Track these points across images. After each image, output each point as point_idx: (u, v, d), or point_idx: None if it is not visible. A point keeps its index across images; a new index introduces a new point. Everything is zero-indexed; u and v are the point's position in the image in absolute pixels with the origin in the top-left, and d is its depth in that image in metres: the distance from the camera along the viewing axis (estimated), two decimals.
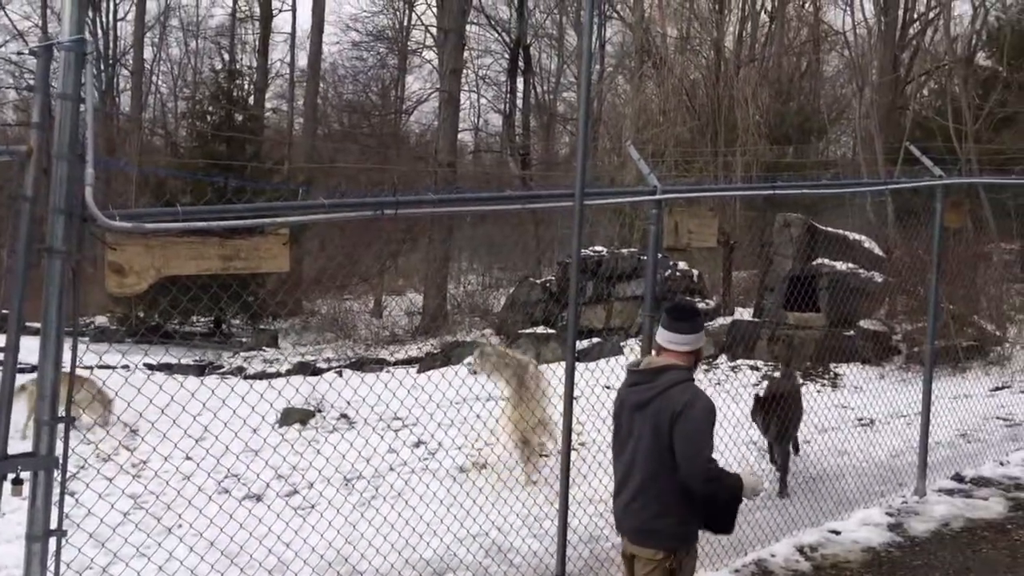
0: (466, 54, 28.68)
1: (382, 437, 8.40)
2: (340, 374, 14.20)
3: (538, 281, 17.63)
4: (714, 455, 3.56)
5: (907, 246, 13.38)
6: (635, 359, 4.08)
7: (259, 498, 7.20)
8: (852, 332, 13.01)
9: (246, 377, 15.07)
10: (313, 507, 6.86)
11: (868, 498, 7.04)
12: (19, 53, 30.96)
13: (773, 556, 5.83)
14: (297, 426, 10.19)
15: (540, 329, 15.31)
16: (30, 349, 2.93)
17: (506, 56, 34.30)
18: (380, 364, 16.95)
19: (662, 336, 3.73)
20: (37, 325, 2.91)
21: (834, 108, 25.67)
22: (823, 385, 12.10)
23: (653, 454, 3.55)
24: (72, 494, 5.84)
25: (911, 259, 12.50)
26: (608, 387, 7.39)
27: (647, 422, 3.57)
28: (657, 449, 3.54)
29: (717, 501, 3.58)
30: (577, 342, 4.55)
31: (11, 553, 3.55)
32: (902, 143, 15.52)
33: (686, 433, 3.45)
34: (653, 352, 4.03)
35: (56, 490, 2.99)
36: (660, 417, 3.51)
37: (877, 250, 14.45)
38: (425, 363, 16.00)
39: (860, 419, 10.06)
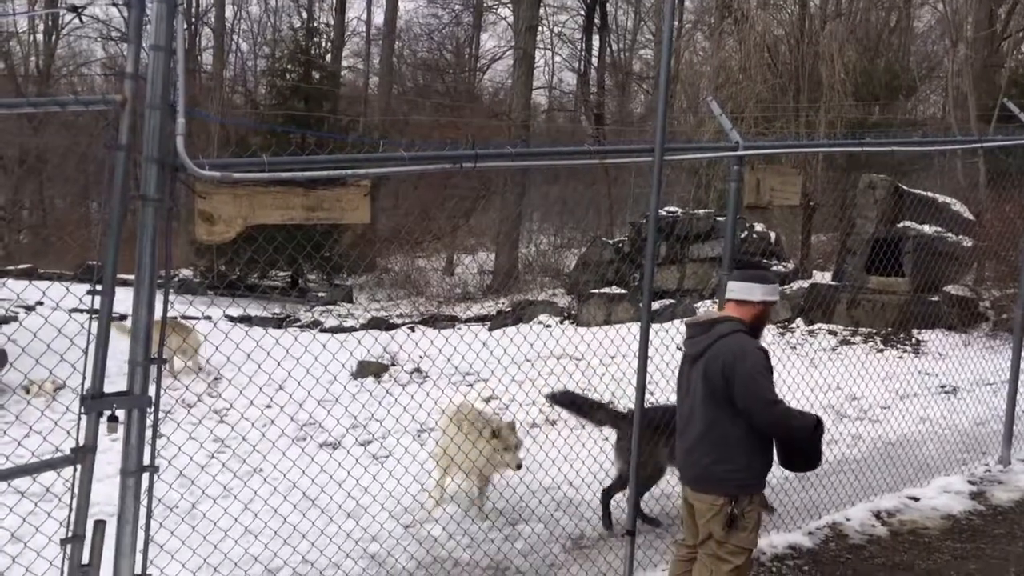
0: (541, 11, 28.26)
1: (457, 389, 8.53)
2: (413, 330, 14.44)
3: (610, 241, 17.49)
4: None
5: (999, 209, 12.81)
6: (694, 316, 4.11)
7: (337, 444, 7.42)
8: (937, 297, 12.58)
9: (322, 331, 15.43)
10: (390, 455, 7.03)
11: (949, 466, 6.88)
12: (110, 4, 31.79)
13: (848, 520, 5.76)
14: (372, 379, 10.44)
15: (613, 289, 15.24)
16: (120, 299, 3.01)
17: (582, 13, 33.72)
18: (452, 321, 17.14)
19: (726, 291, 3.85)
20: (128, 277, 2.99)
21: (924, 65, 24.55)
22: (904, 351, 11.77)
23: (708, 403, 3.60)
24: (161, 436, 6.10)
25: (1002, 223, 11.97)
26: (681, 348, 7.33)
27: (700, 372, 3.64)
28: (711, 398, 3.59)
29: (795, 438, 3.55)
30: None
31: (103, 491, 3.78)
32: (996, 102, 14.78)
33: (744, 384, 3.47)
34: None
35: (148, 428, 3.12)
36: (711, 367, 3.56)
37: (967, 213, 13.87)
38: (497, 321, 16.14)
39: (943, 386, 9.79)
